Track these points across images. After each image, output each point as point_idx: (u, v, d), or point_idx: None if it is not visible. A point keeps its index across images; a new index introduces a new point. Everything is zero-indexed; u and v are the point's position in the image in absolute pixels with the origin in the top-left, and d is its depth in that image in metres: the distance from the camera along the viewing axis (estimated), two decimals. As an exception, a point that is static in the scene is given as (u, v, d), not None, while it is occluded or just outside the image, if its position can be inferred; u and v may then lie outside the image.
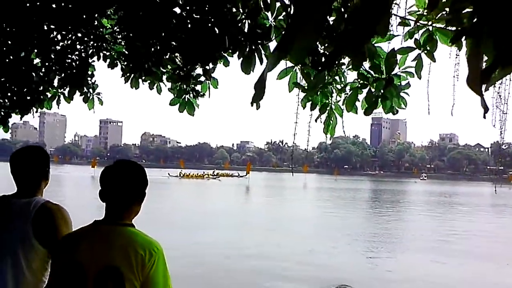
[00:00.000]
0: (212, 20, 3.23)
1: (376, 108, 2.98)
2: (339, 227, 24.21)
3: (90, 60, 4.48)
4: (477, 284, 13.07)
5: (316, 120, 3.31)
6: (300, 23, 0.98)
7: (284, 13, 3.06)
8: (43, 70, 4.45)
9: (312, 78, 3.01)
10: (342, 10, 2.21)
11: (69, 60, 4.42)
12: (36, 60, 4.52)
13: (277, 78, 3.25)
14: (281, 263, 14.42)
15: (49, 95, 4.81)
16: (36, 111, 4.86)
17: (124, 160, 2.44)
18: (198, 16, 3.30)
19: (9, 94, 4.53)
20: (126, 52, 4.22)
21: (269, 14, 3.22)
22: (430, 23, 2.66)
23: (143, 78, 4.14)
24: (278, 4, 3.07)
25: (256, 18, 3.24)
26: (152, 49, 3.73)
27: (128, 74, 4.19)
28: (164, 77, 4.22)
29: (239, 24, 3.30)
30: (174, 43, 3.56)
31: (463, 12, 1.67)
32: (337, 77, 3.20)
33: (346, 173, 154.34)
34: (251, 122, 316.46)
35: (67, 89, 4.67)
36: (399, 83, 2.94)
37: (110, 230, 2.25)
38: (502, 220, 32.32)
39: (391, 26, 2.59)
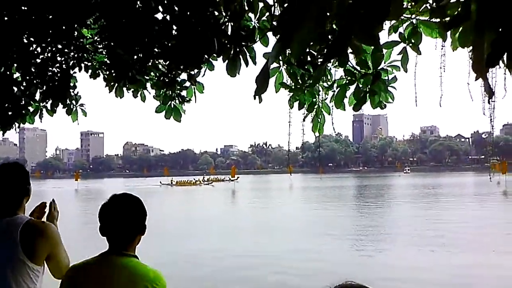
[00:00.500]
0: (195, 24, 3.21)
1: (365, 104, 2.99)
2: (329, 225, 24.29)
3: (71, 72, 4.42)
4: (467, 273, 13.20)
5: (304, 119, 3.31)
6: (301, 14, 0.97)
7: (267, 14, 3.06)
8: (24, 84, 4.37)
9: (313, 73, 2.99)
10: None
11: (50, 73, 4.35)
12: (16, 74, 4.45)
13: (263, 79, 3.24)
14: (280, 263, 14.52)
15: (31, 109, 4.73)
16: (18, 126, 4.77)
17: (120, 194, 2.46)
18: (181, 21, 3.27)
19: (-11, 110, 4.45)
20: (108, 62, 4.18)
21: (252, 15, 3.21)
22: (414, 16, 2.68)
23: (127, 86, 4.10)
24: (261, 5, 3.06)
25: (240, 20, 3.23)
26: (135, 56, 3.70)
27: (112, 83, 4.14)
28: (148, 85, 4.18)
29: (223, 27, 3.28)
30: (157, 50, 3.53)
31: (450, 2, 1.68)
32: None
33: (330, 171, 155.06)
34: (234, 126, 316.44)
35: (50, 102, 4.59)
36: (386, 77, 2.96)
37: (116, 261, 2.32)
38: (486, 208, 32.74)
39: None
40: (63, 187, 77.57)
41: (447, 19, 2.30)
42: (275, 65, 3.25)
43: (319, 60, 3.03)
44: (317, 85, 3.27)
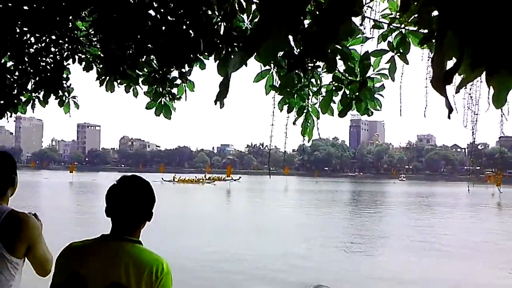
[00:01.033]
0: (188, 22, 3.22)
1: (351, 110, 3.01)
2: (321, 229, 24.32)
3: (65, 63, 4.42)
4: (452, 280, 13.26)
5: (294, 123, 3.33)
6: (267, 24, 0.98)
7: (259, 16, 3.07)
8: (16, 73, 4.38)
9: (303, 76, 3.02)
10: (317, 13, 2.23)
11: (43, 63, 4.35)
12: (9, 63, 4.45)
13: (253, 81, 3.26)
14: (267, 264, 14.53)
15: (24, 99, 4.73)
16: (11, 116, 4.77)
17: (130, 176, 2.37)
18: (174, 19, 3.28)
19: (-19, 98, 4.45)
20: (102, 55, 4.18)
21: (244, 16, 3.23)
22: (402, 25, 2.70)
23: (119, 81, 4.11)
24: (254, 6, 3.08)
25: (232, 21, 3.25)
26: (128, 51, 3.70)
27: (103, 77, 4.14)
28: (140, 80, 4.18)
29: (215, 27, 3.29)
30: (149, 46, 3.54)
31: (432, 15, 1.70)
32: (313, 80, 3.22)
33: (326, 175, 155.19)
34: (231, 125, 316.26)
35: (42, 93, 4.59)
36: (373, 85, 2.98)
37: (119, 246, 2.21)
38: (476, 219, 32.84)
39: (364, 28, 2.62)
40: (57, 179, 77.27)
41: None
42: (266, 67, 3.26)
43: (309, 64, 3.05)
44: (307, 89, 3.28)
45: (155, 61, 3.88)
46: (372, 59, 2.86)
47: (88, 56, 4.50)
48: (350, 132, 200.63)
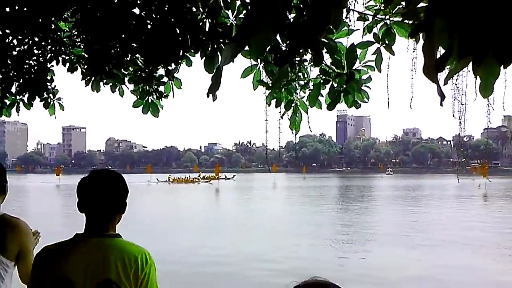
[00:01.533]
0: (172, 20, 3.21)
1: (339, 103, 3.02)
2: (310, 224, 24.42)
3: (49, 65, 4.37)
4: (446, 272, 13.40)
5: (281, 117, 3.33)
6: (256, 18, 0.98)
7: (244, 11, 3.06)
8: (0, 76, 4.32)
9: (290, 71, 3.02)
10: (301, 6, 2.23)
11: (27, 66, 4.30)
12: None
13: (241, 76, 3.25)
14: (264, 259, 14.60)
15: (8, 102, 4.67)
16: (-5, 119, 4.71)
17: (101, 170, 2.37)
18: (158, 16, 3.26)
19: (-35, 102, 4.39)
20: (86, 55, 4.14)
21: (229, 12, 3.22)
22: (387, 17, 2.71)
23: (104, 81, 4.07)
24: (238, 2, 3.07)
25: (217, 17, 3.24)
26: (112, 51, 3.67)
27: (88, 78, 4.11)
28: (126, 79, 4.15)
29: (200, 24, 3.28)
30: (134, 44, 3.52)
31: (418, 6, 1.71)
32: (300, 74, 3.23)
33: (314, 171, 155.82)
34: (218, 124, 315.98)
35: (26, 95, 4.54)
36: (360, 77, 2.99)
37: (100, 242, 2.17)
38: (463, 209, 33.25)
39: (350, 21, 2.63)
40: (44, 183, 76.47)
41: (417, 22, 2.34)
42: (253, 62, 3.26)
43: (296, 59, 3.06)
44: (294, 83, 3.29)
45: (140, 60, 3.85)
46: (358, 51, 2.87)
47: (72, 57, 4.45)
48: (337, 127, 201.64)
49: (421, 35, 2.61)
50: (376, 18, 2.71)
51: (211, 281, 12.54)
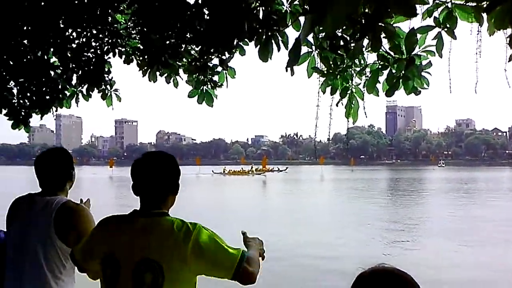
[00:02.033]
0: (227, 8, 3.21)
1: (398, 89, 2.94)
2: (361, 216, 24.14)
3: (106, 57, 4.50)
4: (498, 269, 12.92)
5: (337, 105, 3.28)
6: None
7: (300, -3, 3.02)
8: (60, 68, 4.49)
9: (346, 57, 2.95)
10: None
11: (86, 58, 4.44)
12: (53, 59, 4.56)
13: (297, 64, 3.22)
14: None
15: (68, 94, 4.84)
16: (56, 110, 4.88)
17: (154, 152, 2.40)
18: (213, 6, 3.28)
19: (28, 94, 4.58)
20: (141, 47, 4.23)
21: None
22: (449, 0, 2.61)
23: (161, 71, 4.15)
24: (293, -11, 3.04)
25: (271, 5, 3.21)
26: (168, 41, 3.73)
27: (145, 68, 4.20)
28: (181, 70, 4.21)
29: (254, 12, 3.27)
30: (189, 35, 3.56)
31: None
32: (356, 60, 3.16)
33: (362, 163, 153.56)
34: (264, 116, 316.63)
35: (85, 86, 4.69)
36: (420, 63, 2.90)
37: (146, 222, 2.19)
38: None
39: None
40: (99, 174, 79.14)
41: (483, 3, 2.24)
42: (306, 49, 3.22)
43: (352, 44, 3.00)
44: (350, 69, 3.23)
45: (195, 50, 3.90)
46: (418, 36, 2.78)
47: (128, 49, 4.56)
48: (387, 118, 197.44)
49: (484, 17, 2.50)
50: (437, 1, 2.61)
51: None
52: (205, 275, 2.18)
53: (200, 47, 3.67)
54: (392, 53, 2.86)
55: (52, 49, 4.35)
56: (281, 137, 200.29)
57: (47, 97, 4.59)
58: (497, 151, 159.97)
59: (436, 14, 2.74)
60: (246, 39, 3.39)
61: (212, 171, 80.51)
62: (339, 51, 2.96)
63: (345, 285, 1.65)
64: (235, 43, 3.41)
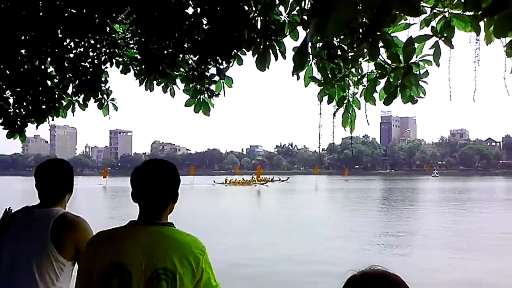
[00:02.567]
0: (225, 19, 3.23)
1: (395, 98, 2.96)
2: (353, 227, 24.12)
3: (103, 67, 4.50)
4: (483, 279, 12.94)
5: (334, 114, 3.29)
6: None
7: (297, 8, 3.05)
8: (57, 78, 4.48)
9: (342, 67, 2.98)
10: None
11: (83, 67, 4.44)
12: (50, 69, 4.55)
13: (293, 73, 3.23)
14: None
15: (64, 103, 4.83)
16: (52, 119, 4.87)
17: (155, 159, 2.38)
18: (211, 16, 3.30)
19: (24, 103, 4.56)
20: (139, 57, 4.24)
21: (282, 9, 3.22)
22: (446, 9, 2.64)
23: (158, 80, 4.15)
24: (291, -1, 3.06)
25: (269, 15, 3.24)
26: (166, 51, 3.74)
27: (142, 77, 4.20)
28: (178, 79, 4.22)
29: (252, 21, 3.29)
30: (187, 44, 3.57)
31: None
32: (353, 70, 3.18)
33: (357, 173, 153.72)
34: (259, 126, 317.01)
35: (82, 96, 4.68)
36: (417, 72, 2.92)
37: (155, 230, 2.19)
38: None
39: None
40: (91, 184, 78.73)
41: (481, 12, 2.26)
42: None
43: (349, 54, 3.02)
44: (347, 79, 3.25)
45: (192, 59, 3.91)
46: (415, 45, 2.80)
47: (125, 59, 4.57)
48: (381, 129, 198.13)
49: (482, 26, 2.53)
50: (434, 10, 2.64)
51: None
52: None
53: (198, 56, 3.68)
54: (389, 62, 2.88)
55: (49, 59, 4.35)
56: (276, 147, 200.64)
57: (43, 106, 4.57)
58: (490, 161, 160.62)
59: (433, 23, 2.77)
60: (244, 49, 3.41)
61: (214, 180, 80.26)
62: (336, 61, 2.98)
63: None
64: (233, 52, 3.43)
